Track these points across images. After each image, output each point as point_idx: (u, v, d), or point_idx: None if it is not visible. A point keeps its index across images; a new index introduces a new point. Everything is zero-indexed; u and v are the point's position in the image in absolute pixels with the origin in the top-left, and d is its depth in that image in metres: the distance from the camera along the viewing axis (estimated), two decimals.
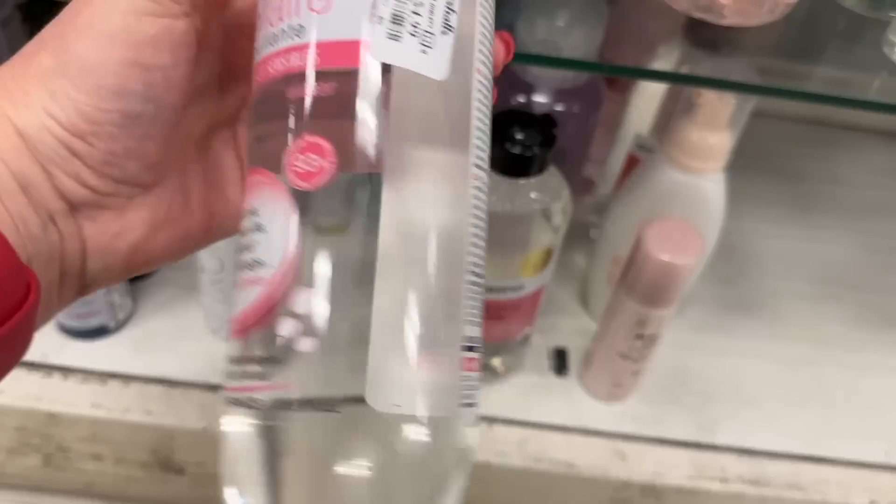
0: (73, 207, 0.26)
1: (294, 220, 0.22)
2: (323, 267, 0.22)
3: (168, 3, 0.24)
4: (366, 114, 0.22)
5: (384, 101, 0.22)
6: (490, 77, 0.25)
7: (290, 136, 0.23)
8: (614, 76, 0.66)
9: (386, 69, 0.22)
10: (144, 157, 0.26)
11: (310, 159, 0.22)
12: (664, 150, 0.58)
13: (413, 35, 0.23)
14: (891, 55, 0.48)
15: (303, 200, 0.22)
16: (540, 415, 0.63)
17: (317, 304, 0.22)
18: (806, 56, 0.51)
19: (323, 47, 0.23)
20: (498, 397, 0.64)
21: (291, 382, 0.22)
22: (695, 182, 0.58)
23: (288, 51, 0.23)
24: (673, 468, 0.61)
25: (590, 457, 0.61)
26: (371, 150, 0.22)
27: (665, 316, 0.58)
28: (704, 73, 0.52)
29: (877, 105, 0.48)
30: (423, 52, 0.23)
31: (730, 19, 0.49)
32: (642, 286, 0.56)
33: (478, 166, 0.24)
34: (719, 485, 0.61)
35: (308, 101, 0.23)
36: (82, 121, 0.24)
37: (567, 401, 0.65)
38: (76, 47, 0.24)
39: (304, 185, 0.22)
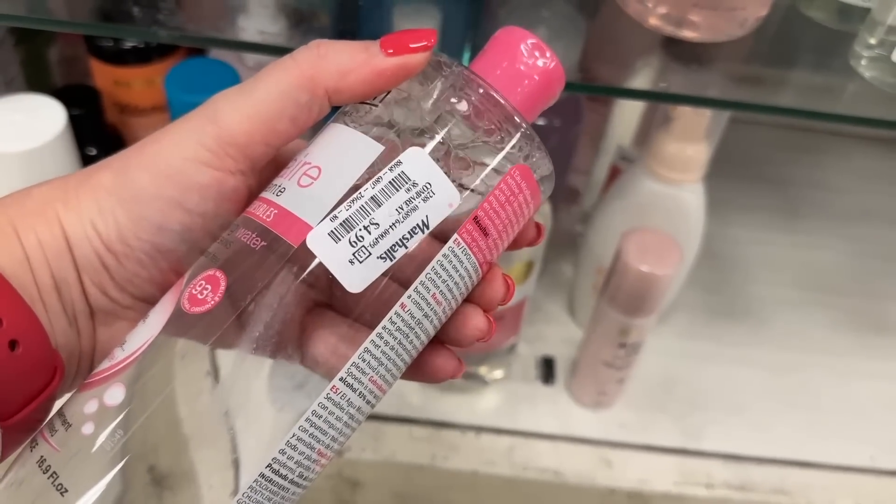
0: (94, 312, 0.27)
1: (158, 331, 0.25)
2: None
3: (225, 159, 0.26)
4: (269, 282, 0.24)
5: (288, 282, 0.24)
6: (426, 318, 0.26)
7: (212, 262, 0.25)
8: (589, 94, 0.67)
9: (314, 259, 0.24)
10: (165, 285, 0.28)
11: (204, 289, 0.25)
12: (643, 162, 0.59)
13: (351, 244, 0.24)
14: (857, 67, 0.49)
15: (178, 317, 0.25)
16: (527, 423, 0.64)
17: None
18: (777, 69, 0.52)
19: (282, 213, 0.25)
20: (485, 406, 0.65)
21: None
22: (673, 193, 0.59)
23: (265, 200, 0.26)
24: (659, 475, 0.62)
25: (576, 464, 0.62)
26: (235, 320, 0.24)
27: (647, 325, 0.59)
28: (679, 89, 0.53)
29: (846, 118, 0.49)
30: (350, 262, 0.24)
31: (701, 35, 0.50)
32: (623, 296, 0.57)
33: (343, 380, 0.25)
34: (705, 490, 0.62)
35: (241, 245, 0.25)
36: (119, 241, 0.26)
37: (554, 409, 0.66)
38: (134, 174, 0.26)
39: (186, 305, 0.25)
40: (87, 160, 0.58)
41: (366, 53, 0.26)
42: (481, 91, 0.27)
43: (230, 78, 0.48)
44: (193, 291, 0.25)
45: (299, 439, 0.24)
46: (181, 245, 0.27)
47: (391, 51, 0.26)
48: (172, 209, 0.26)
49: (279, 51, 0.47)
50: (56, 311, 0.26)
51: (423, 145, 0.25)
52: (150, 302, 0.28)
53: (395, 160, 0.25)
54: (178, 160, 0.26)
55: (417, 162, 0.25)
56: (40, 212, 0.26)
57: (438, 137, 0.26)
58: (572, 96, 0.62)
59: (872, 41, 0.47)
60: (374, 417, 0.63)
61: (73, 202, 0.26)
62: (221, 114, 0.26)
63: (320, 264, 0.24)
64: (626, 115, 0.69)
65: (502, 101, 0.27)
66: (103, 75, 0.59)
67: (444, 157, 0.26)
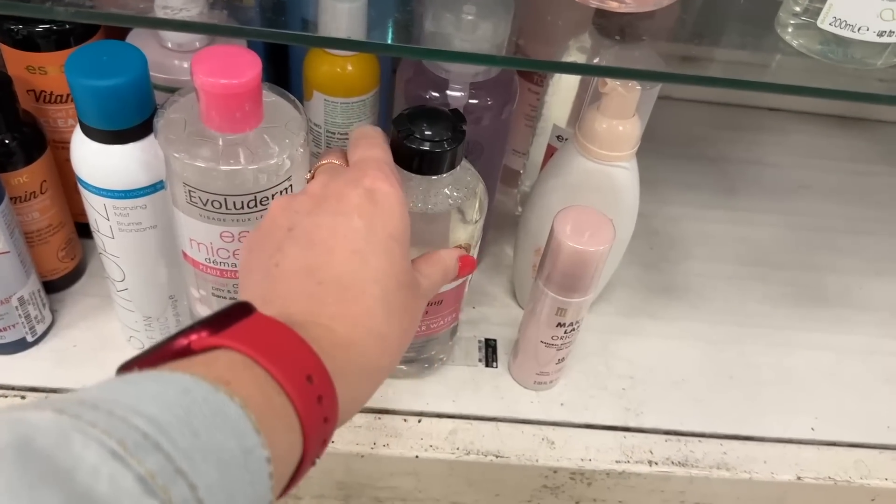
0: None
1: None
2: None
3: None
4: None
5: None
6: None
7: None
8: (521, 69, 0.66)
9: None
10: None
11: None
12: (575, 140, 0.59)
13: None
14: (783, 35, 0.49)
15: None
16: (468, 406, 0.64)
17: None
18: (704, 40, 0.52)
19: None
20: (427, 390, 0.64)
21: None
22: (606, 170, 0.58)
23: None
24: (601, 453, 0.62)
25: (519, 445, 0.61)
26: None
27: (584, 303, 0.58)
28: (609, 62, 0.53)
29: (773, 86, 0.49)
30: None
31: (627, 6, 0.50)
32: (558, 275, 0.56)
33: None
34: (647, 467, 0.62)
35: None
36: None
37: (496, 391, 0.65)
38: None
39: None
40: (0, 150, 0.55)
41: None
42: None
43: (136, 60, 0.46)
44: None
45: None
46: None
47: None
48: None
49: (191, 27, 0.45)
50: None
51: None
52: None
53: None
54: None
55: None
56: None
57: None
58: (505, 74, 0.61)
59: (797, 8, 0.47)
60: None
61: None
62: None
63: None
64: (562, 95, 0.68)
65: None
66: (15, 61, 0.57)
67: None
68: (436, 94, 0.60)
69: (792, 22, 0.48)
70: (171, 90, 0.52)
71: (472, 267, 0.49)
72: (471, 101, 0.61)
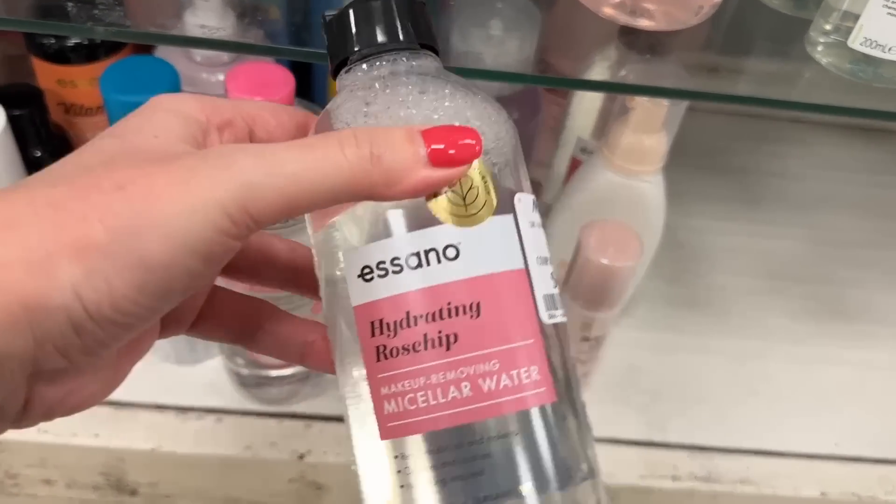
0: (38, 373, 0.24)
1: None
2: None
3: (244, 230, 0.24)
4: None
5: None
6: None
7: None
8: (546, 86, 0.66)
9: None
10: (137, 345, 0.26)
11: None
12: (602, 154, 0.59)
13: None
14: (813, 53, 0.48)
15: None
16: None
17: None
18: (733, 57, 0.52)
19: None
20: None
21: None
22: (633, 184, 0.58)
23: None
24: (625, 468, 0.62)
25: None
26: None
27: (609, 318, 0.58)
28: (635, 79, 0.53)
29: (803, 105, 0.49)
30: None
31: (657, 24, 0.50)
32: (585, 290, 0.56)
33: None
34: (671, 483, 0.62)
35: None
36: (111, 308, 0.23)
37: None
38: (144, 240, 0.22)
39: None
40: (31, 162, 0.56)
41: (413, 156, 0.25)
42: None
43: (169, 77, 0.46)
44: None
45: None
46: (170, 305, 0.24)
47: (439, 157, 0.25)
48: (182, 275, 0.23)
49: (224, 46, 0.45)
50: None
51: None
52: (106, 359, 0.26)
53: None
54: (199, 229, 0.23)
55: None
56: None
57: None
58: (531, 88, 0.61)
59: (828, 27, 0.47)
60: (338, 419, 0.61)
61: (43, 265, 0.22)
62: (253, 188, 0.23)
63: None
64: (586, 107, 0.68)
65: None
66: (46, 74, 0.57)
67: None
68: None
69: (822, 40, 0.48)
70: None
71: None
72: None
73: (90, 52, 0.57)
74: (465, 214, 0.25)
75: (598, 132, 0.67)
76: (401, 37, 0.27)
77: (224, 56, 0.57)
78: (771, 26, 0.52)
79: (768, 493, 0.62)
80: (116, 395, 0.61)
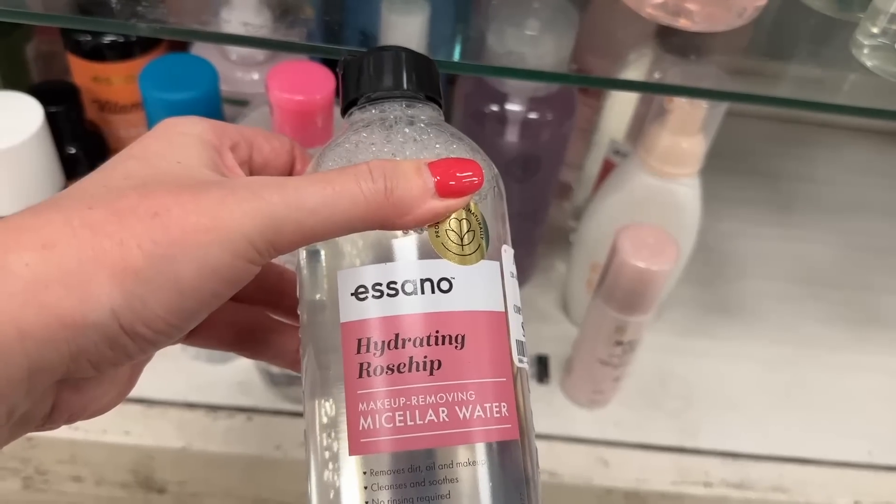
0: (66, 381, 0.26)
1: None
2: None
3: (266, 257, 0.26)
4: None
5: None
6: None
7: None
8: (582, 86, 0.66)
9: None
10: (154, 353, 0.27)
11: None
12: (638, 156, 0.58)
13: None
14: (858, 56, 0.48)
15: None
16: None
17: None
18: (775, 59, 0.51)
19: None
20: None
21: None
22: (669, 187, 0.58)
23: None
24: (656, 473, 0.61)
25: (573, 464, 0.61)
26: None
27: (643, 322, 0.57)
28: (675, 80, 0.52)
29: (848, 109, 0.48)
30: None
31: (699, 25, 0.49)
32: (620, 293, 0.56)
33: None
34: (703, 489, 0.61)
35: None
36: (144, 327, 0.25)
37: (549, 408, 0.64)
38: (178, 267, 0.24)
39: None
40: (66, 159, 0.56)
41: (423, 188, 0.27)
42: None
43: (208, 74, 0.46)
44: None
45: None
46: (198, 322, 0.26)
47: (445, 187, 0.27)
48: (208, 297, 0.26)
49: (263, 44, 0.45)
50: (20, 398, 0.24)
51: None
52: (135, 367, 0.30)
53: None
54: (228, 258, 0.25)
55: None
56: (27, 300, 0.23)
57: None
58: (565, 89, 0.61)
59: (875, 30, 0.46)
60: None
61: (83, 286, 0.23)
62: (277, 220, 0.25)
63: None
64: (619, 108, 0.67)
65: None
66: (82, 71, 0.57)
67: None
68: (495, 108, 0.60)
69: (868, 43, 0.47)
70: (235, 101, 0.53)
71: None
72: (530, 115, 0.60)
73: (126, 50, 0.57)
74: (462, 253, 0.27)
75: (632, 134, 0.67)
76: (406, 86, 0.30)
77: (259, 55, 0.57)
78: (814, 28, 0.51)
79: (801, 501, 0.61)
80: (147, 393, 0.61)
